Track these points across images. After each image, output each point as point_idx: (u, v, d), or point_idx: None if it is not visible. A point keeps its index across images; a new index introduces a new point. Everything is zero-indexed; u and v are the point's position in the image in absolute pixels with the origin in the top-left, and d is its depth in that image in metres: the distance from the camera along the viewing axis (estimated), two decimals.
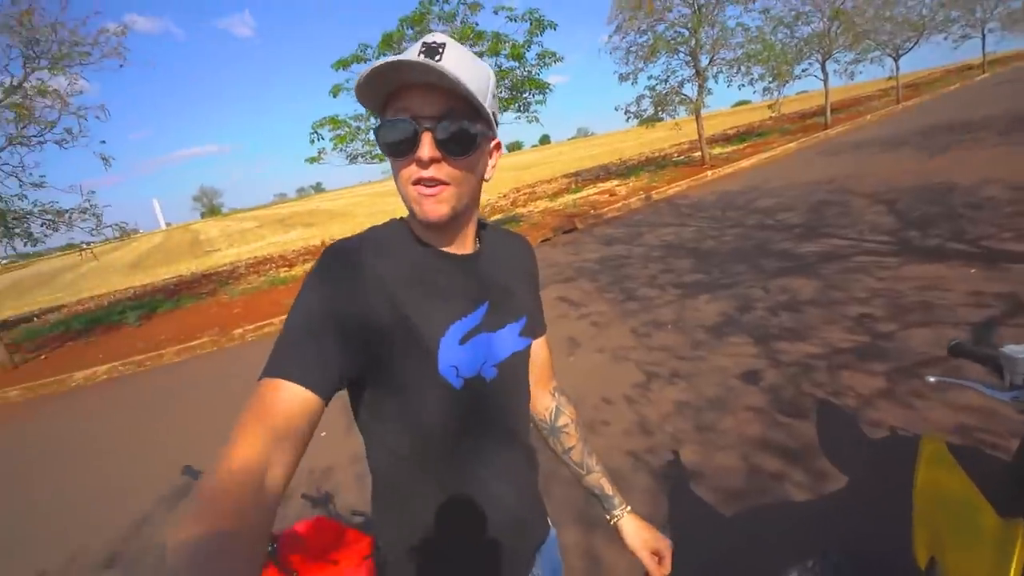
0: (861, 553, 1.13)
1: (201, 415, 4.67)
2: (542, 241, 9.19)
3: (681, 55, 13.42)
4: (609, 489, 1.04)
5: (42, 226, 7.87)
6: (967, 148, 8.85)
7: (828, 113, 16.55)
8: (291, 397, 0.59)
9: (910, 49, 19.98)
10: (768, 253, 5.51)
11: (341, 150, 7.65)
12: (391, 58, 0.62)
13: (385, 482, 0.80)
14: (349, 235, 0.76)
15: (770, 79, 14.59)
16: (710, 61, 13.34)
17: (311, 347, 0.63)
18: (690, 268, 5.62)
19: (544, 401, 1.01)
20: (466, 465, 0.79)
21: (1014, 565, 0.80)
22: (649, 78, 14.04)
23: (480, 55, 7.96)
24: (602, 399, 3.25)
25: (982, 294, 3.48)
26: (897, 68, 20.52)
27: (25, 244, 7.82)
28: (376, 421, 0.76)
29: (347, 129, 7.46)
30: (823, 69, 16.37)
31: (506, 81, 8.30)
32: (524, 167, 35.08)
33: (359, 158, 7.89)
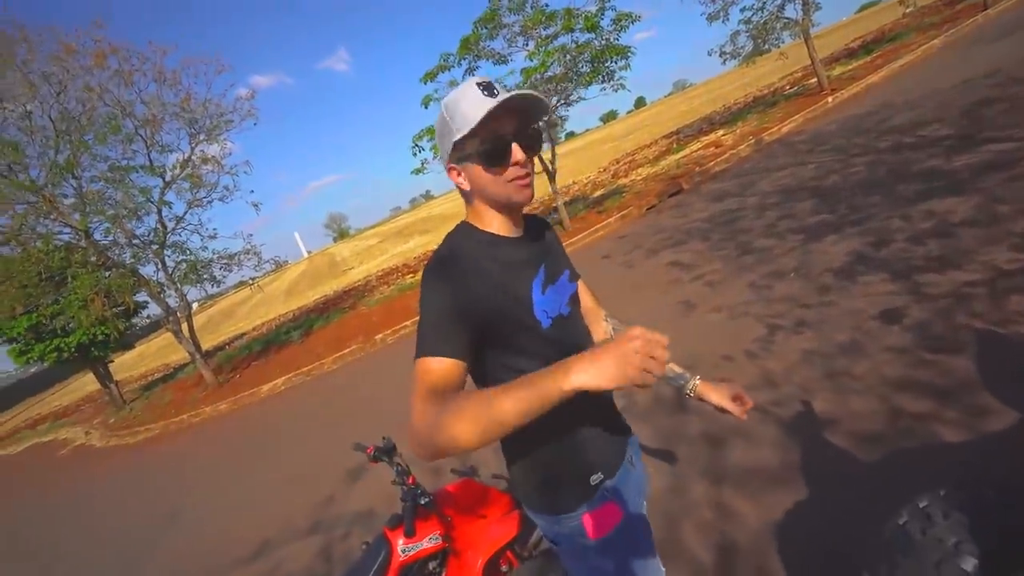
0: (986, 483, 1.06)
1: (360, 407, 5.43)
2: (648, 209, 8.94)
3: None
4: (678, 369, 1.26)
5: (220, 269, 9.60)
6: None
7: None
8: (444, 366, 0.87)
9: None
10: (907, 177, 4.81)
11: (440, 158, 8.17)
12: (488, 110, 0.89)
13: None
14: (441, 244, 1.02)
15: None
16: None
17: (447, 328, 0.90)
18: (811, 210, 5.12)
19: (601, 327, 1.28)
20: None
21: None
22: (742, 10, 12.67)
23: (555, 36, 7.99)
24: (721, 357, 3.18)
25: None
26: None
27: (212, 286, 9.59)
28: (499, 371, 0.99)
29: None
30: None
31: (585, 55, 8.16)
32: (621, 136, 33.86)
33: None
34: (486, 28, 7.85)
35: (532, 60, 7.77)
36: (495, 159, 0.94)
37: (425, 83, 7.88)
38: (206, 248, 9.58)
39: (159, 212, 8.86)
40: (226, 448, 6.40)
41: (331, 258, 46.77)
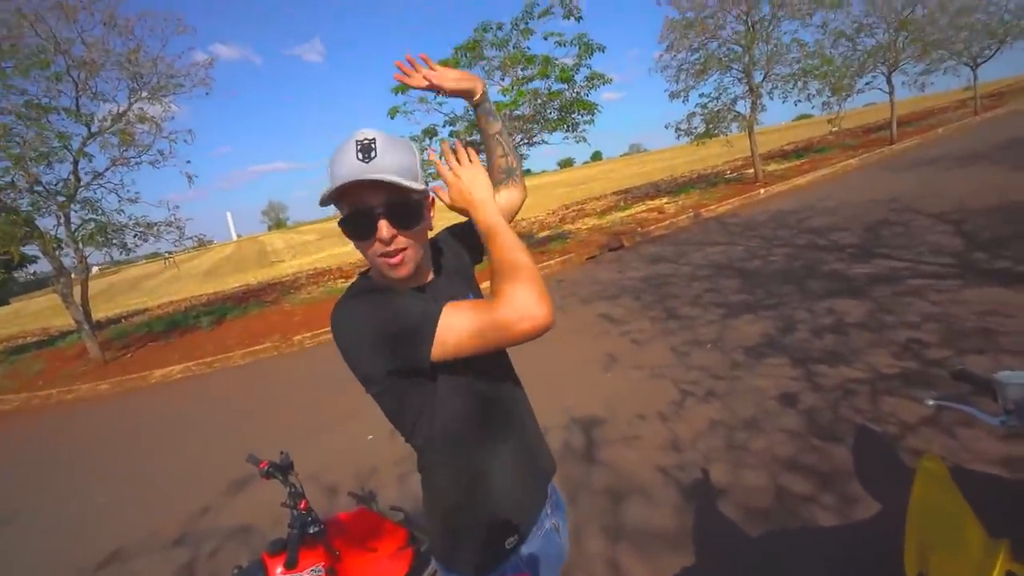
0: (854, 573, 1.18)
1: (264, 412, 5.07)
2: (588, 259, 9.27)
3: (734, 72, 13.23)
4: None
5: (135, 237, 8.77)
6: None
7: (894, 127, 15.68)
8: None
9: (990, 57, 18.67)
10: (817, 274, 5.36)
11: None
12: (339, 180, 0.85)
13: (427, 456, 1.06)
14: (350, 293, 1.00)
15: (829, 94, 14.07)
16: (764, 77, 13.06)
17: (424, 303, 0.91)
18: (735, 288, 5.55)
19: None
20: (494, 435, 1.05)
21: None
22: (700, 95, 13.84)
23: (531, 79, 8.28)
24: (636, 415, 3.31)
25: None
26: (975, 78, 19.21)
27: (120, 253, 8.73)
28: (409, 410, 1.00)
29: None
30: (889, 82, 15.58)
31: (555, 103, 8.52)
32: (575, 183, 35.19)
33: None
34: (466, 56, 8.01)
35: (505, 96, 7.99)
36: (358, 232, 0.90)
37: (396, 94, 7.85)
38: (122, 211, 8.73)
39: (75, 163, 8.02)
40: (96, 436, 5.72)
41: (262, 246, 44.27)
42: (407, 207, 0.90)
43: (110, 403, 6.82)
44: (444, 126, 8.58)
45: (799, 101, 14.25)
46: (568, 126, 8.85)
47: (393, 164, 0.86)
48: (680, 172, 23.07)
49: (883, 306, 4.15)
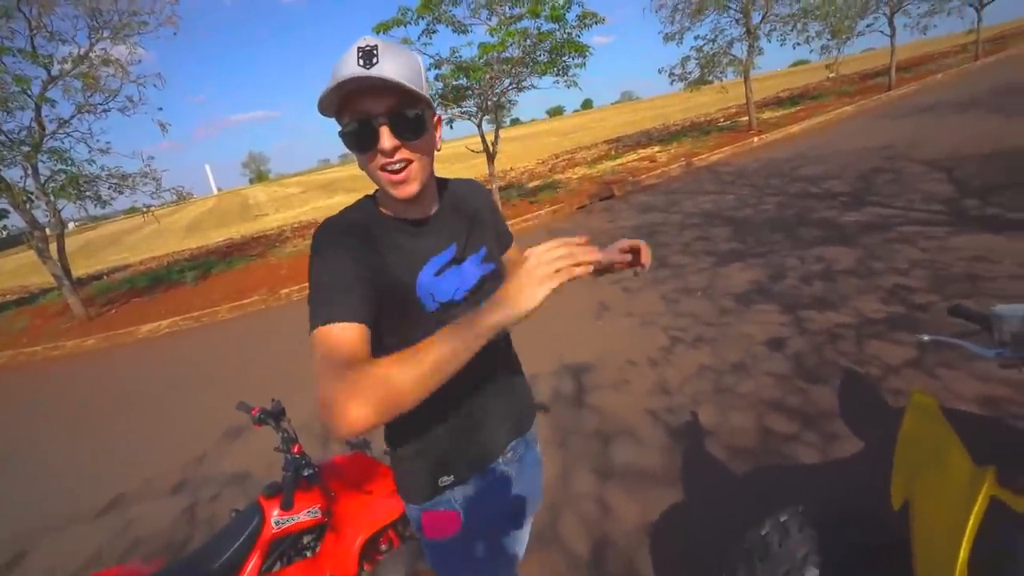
0: (837, 505, 1.21)
1: (254, 364, 5.07)
2: (578, 208, 9.15)
3: (731, 12, 12.68)
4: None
5: (109, 189, 8.45)
6: None
7: (893, 72, 15.30)
8: (346, 333, 0.77)
9: None
10: (807, 222, 5.34)
11: None
12: (339, 79, 0.77)
13: None
14: (336, 213, 0.94)
15: (829, 36, 13.61)
16: (763, 18, 12.55)
17: (345, 293, 0.81)
18: (725, 236, 5.52)
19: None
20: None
21: (977, 507, 0.87)
22: (696, 38, 13.34)
23: (519, 17, 7.85)
24: (627, 361, 3.34)
25: None
26: (979, 19, 18.64)
27: (95, 206, 8.43)
28: (380, 348, 0.86)
29: None
30: (891, 24, 15.07)
31: (545, 44, 8.12)
32: (565, 132, 34.35)
33: None
34: None
35: (492, 36, 7.59)
36: (357, 143, 0.84)
37: (377, 33, 7.40)
38: (93, 162, 8.35)
39: (37, 109, 7.57)
40: (87, 390, 5.70)
41: (244, 200, 43.22)
42: (411, 117, 0.83)
43: (97, 358, 6.78)
44: (430, 69, 8.17)
45: (798, 44, 13.82)
46: (559, 69, 8.48)
47: (396, 71, 0.79)
48: (673, 120, 22.54)
49: (872, 253, 4.15)
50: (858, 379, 2.63)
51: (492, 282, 1.03)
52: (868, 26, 15.09)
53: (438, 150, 0.94)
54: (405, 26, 7.53)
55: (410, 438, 1.02)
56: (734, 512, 1.94)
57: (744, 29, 12.66)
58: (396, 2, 7.65)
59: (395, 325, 0.91)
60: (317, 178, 55.25)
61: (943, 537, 0.86)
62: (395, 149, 0.83)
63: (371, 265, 0.87)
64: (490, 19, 7.94)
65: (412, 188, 0.87)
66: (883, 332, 3.00)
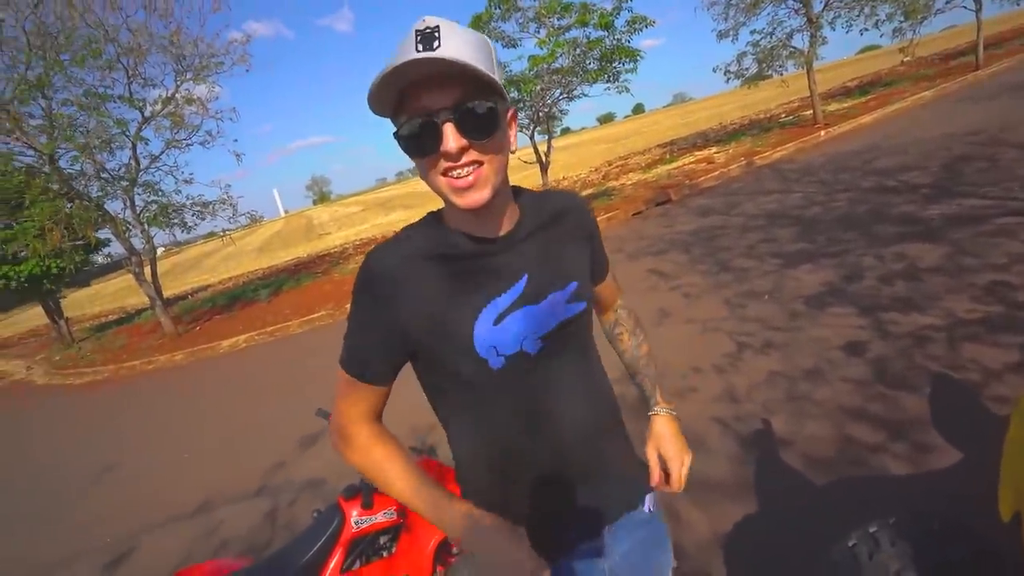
0: (935, 517, 1.11)
1: (324, 375, 5.34)
2: (634, 214, 9.00)
3: (790, 3, 12.14)
4: (649, 390, 1.05)
5: (193, 215, 9.25)
6: None
7: (980, 50, 13.99)
8: (356, 388, 0.83)
9: None
10: (885, 218, 4.97)
11: None
12: (392, 64, 0.62)
13: (458, 450, 0.90)
14: (388, 238, 0.82)
15: (901, 18, 12.71)
16: (825, 5, 11.92)
17: (363, 350, 0.81)
18: (792, 237, 5.25)
19: (607, 317, 1.11)
20: (523, 435, 0.82)
21: None
22: (752, 32, 12.82)
23: (568, 28, 7.91)
24: (691, 368, 3.24)
25: None
26: None
27: (181, 232, 9.25)
28: (434, 394, 0.87)
29: None
30: None
31: (595, 52, 8.13)
32: (617, 139, 33.98)
33: None
34: (500, 8, 7.72)
35: (542, 48, 7.69)
36: (417, 146, 0.69)
37: None
38: (179, 192, 9.21)
39: (134, 147, 8.46)
40: (177, 401, 6.22)
41: (308, 220, 45.72)
42: (482, 112, 0.68)
43: (186, 371, 7.38)
44: None
45: (866, 30, 12.98)
46: (609, 76, 8.44)
47: (463, 53, 0.64)
48: (730, 119, 21.75)
49: (963, 248, 3.81)
50: (953, 385, 2.42)
51: (578, 328, 0.85)
52: (948, 2, 13.91)
53: (513, 151, 0.78)
54: None
55: (470, 493, 0.88)
56: (812, 526, 1.83)
57: (805, 19, 12.07)
58: (442, 13, 7.90)
59: (453, 383, 0.81)
60: (375, 196, 57.61)
61: None
62: (462, 150, 0.67)
63: (412, 322, 0.76)
64: (539, 31, 8.06)
65: (482, 195, 0.70)
66: (980, 334, 2.74)
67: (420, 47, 0.63)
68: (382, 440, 0.86)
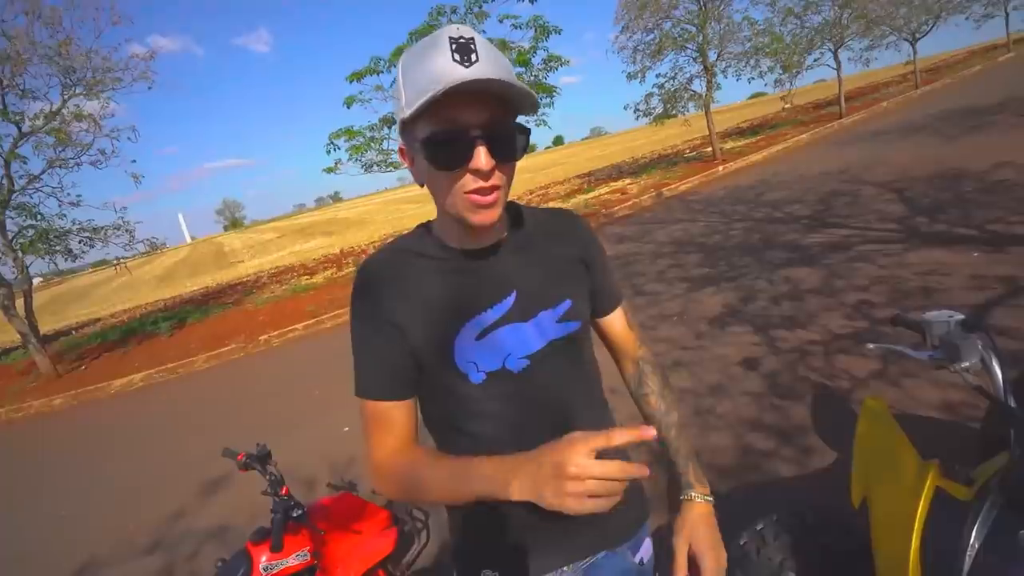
0: (808, 509, 1.27)
1: (234, 413, 4.96)
2: None
3: (689, 51, 13.45)
4: (681, 467, 0.90)
5: (80, 243, 8.33)
6: (984, 132, 8.71)
7: (842, 102, 16.30)
8: (377, 408, 0.79)
9: (928, 32, 19.53)
10: (774, 245, 5.58)
11: (357, 160, 7.94)
12: (442, 88, 0.60)
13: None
14: (378, 247, 0.82)
15: (780, 71, 14.48)
16: (718, 56, 13.33)
17: (377, 364, 0.78)
18: (697, 263, 5.72)
19: (628, 369, 1.00)
20: (505, 452, 0.76)
21: (923, 498, 0.95)
22: (657, 76, 14.04)
23: None
24: (608, 388, 3.38)
25: (983, 277, 3.53)
26: (915, 52, 20.08)
27: (65, 260, 8.28)
28: (424, 404, 0.84)
29: (362, 139, 7.74)
30: (836, 58, 16.16)
31: None
32: (538, 169, 35.20)
33: (374, 167, 8.16)
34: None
35: None
36: (446, 158, 0.67)
37: (351, 82, 7.66)
38: (64, 216, 8.26)
39: (6, 166, 7.53)
40: (53, 450, 5.47)
41: (218, 247, 42.70)
42: (512, 133, 0.68)
43: (66, 417, 6.52)
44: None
45: (752, 79, 14.64)
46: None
47: (502, 72, 0.64)
48: (641, 153, 23.37)
49: (835, 272, 4.36)
50: (829, 393, 2.74)
51: (569, 349, 0.82)
52: (816, 60, 16.12)
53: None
54: (378, 74, 7.82)
55: (474, 517, 0.84)
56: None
57: (702, 66, 13.40)
58: (358, 49, 7.94)
59: (437, 395, 0.81)
60: (292, 223, 55.12)
61: (896, 528, 0.93)
62: (491, 171, 0.67)
63: (405, 331, 0.76)
64: None
65: (496, 213, 0.71)
66: (849, 347, 3.13)
67: (457, 56, 0.62)
68: (411, 452, 0.79)
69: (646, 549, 0.95)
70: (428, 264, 0.78)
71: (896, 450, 1.10)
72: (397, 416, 0.79)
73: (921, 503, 0.94)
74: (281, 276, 13.17)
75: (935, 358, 1.04)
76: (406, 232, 0.85)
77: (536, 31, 7.93)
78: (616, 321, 0.96)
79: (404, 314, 0.76)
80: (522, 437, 0.75)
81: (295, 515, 1.58)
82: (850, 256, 4.64)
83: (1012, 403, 0.92)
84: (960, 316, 1.05)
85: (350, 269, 11.80)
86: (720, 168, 12.32)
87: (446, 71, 0.62)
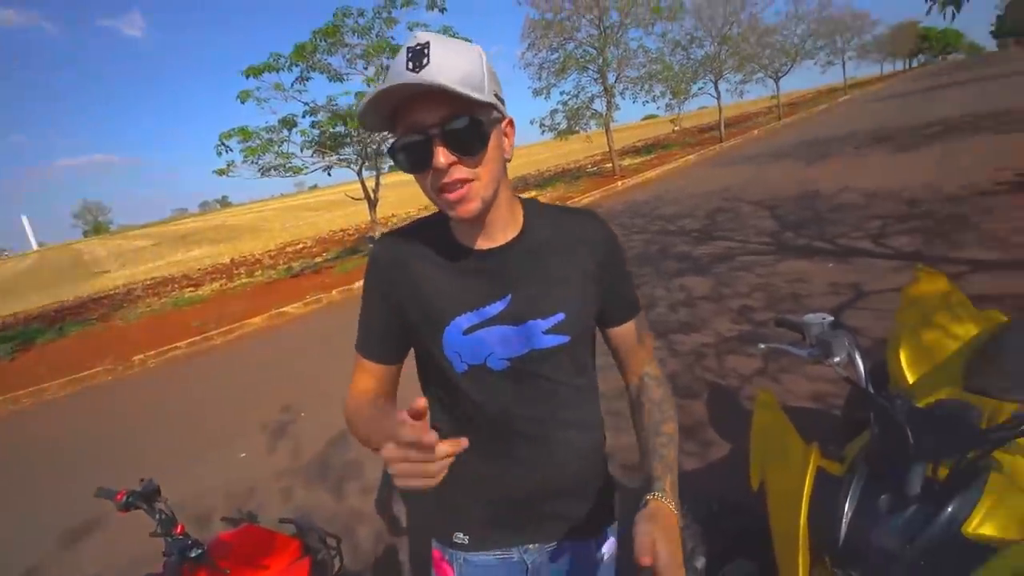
0: (712, 500, 1.39)
1: (103, 448, 4.31)
2: None
3: (590, 72, 14.25)
4: (658, 472, 0.82)
5: None
6: (831, 160, 10.20)
7: (722, 128, 18.25)
8: (365, 367, 0.88)
9: (787, 72, 22.56)
10: (669, 256, 6.05)
11: (252, 162, 7.35)
12: (381, 88, 0.67)
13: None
14: (401, 225, 0.90)
15: (670, 96, 15.85)
16: (616, 79, 14.28)
17: (375, 330, 0.87)
18: None
19: (631, 382, 1.01)
20: (479, 441, 0.74)
21: (808, 477, 1.07)
22: (561, 93, 14.78)
23: None
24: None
25: (837, 284, 4.11)
26: (778, 88, 23.05)
27: None
28: (422, 381, 0.94)
29: (259, 141, 7.19)
30: (716, 88, 18.05)
31: None
32: None
33: (272, 171, 7.61)
34: (325, 41, 7.53)
35: (369, 86, 7.67)
36: (411, 162, 0.72)
37: (248, 77, 7.10)
38: None
39: None
40: None
41: (76, 255, 37.28)
42: (468, 128, 0.70)
43: None
44: (304, 116, 7.99)
45: (646, 102, 15.86)
46: None
47: (452, 72, 0.67)
48: (546, 166, 24.26)
49: (722, 280, 4.82)
50: (721, 390, 3.01)
51: (553, 360, 0.84)
52: (700, 88, 17.90)
53: (508, 159, 0.79)
54: (278, 71, 7.32)
55: (459, 476, 0.85)
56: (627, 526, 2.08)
57: (602, 87, 14.26)
58: (254, 37, 7.41)
59: (429, 375, 0.90)
60: (171, 229, 49.68)
61: (788, 506, 1.04)
62: (450, 166, 0.70)
63: (405, 308, 0.84)
64: (366, 68, 8.04)
65: (473, 206, 0.73)
66: (737, 347, 3.48)
67: (410, 64, 0.67)
68: (370, 398, 0.87)
69: (610, 546, 0.99)
70: (437, 254, 0.83)
71: (784, 437, 1.24)
72: (376, 373, 0.88)
73: (807, 482, 1.06)
74: (158, 288, 11.81)
75: (813, 354, 1.19)
76: (427, 216, 0.89)
77: None
78: (627, 333, 0.94)
79: (406, 294, 0.83)
80: (496, 432, 0.86)
81: (193, 555, 1.42)
82: (733, 266, 5.17)
83: (872, 390, 1.07)
84: (831, 318, 1.21)
85: (243, 280, 10.90)
86: (619, 183, 13.14)
87: (394, 79, 0.68)
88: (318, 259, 11.70)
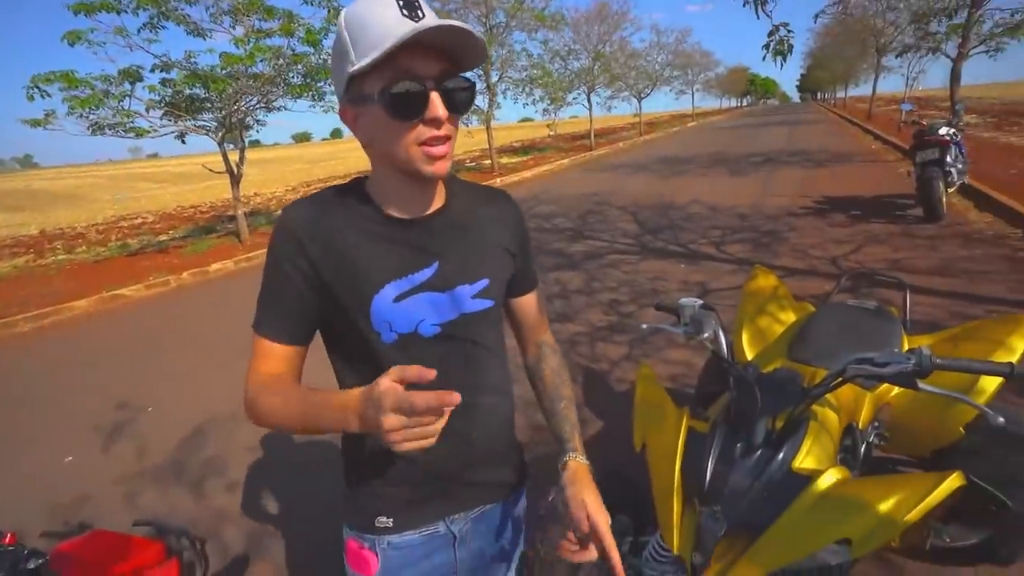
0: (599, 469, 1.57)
1: None
2: None
3: (475, 69, 14.39)
4: (568, 434, 0.99)
5: None
6: (683, 175, 11.63)
7: (592, 137, 19.71)
8: (266, 348, 0.81)
9: (648, 94, 25.11)
10: (546, 252, 6.42)
11: (83, 116, 6.13)
12: (401, 38, 0.63)
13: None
14: (313, 193, 0.82)
15: (548, 102, 16.68)
16: (499, 78, 14.62)
17: (285, 307, 0.80)
18: None
19: (530, 351, 1.08)
20: None
21: (681, 436, 1.27)
22: None
23: (270, 33, 7.34)
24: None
25: (687, 282, 4.75)
26: (640, 107, 25.54)
27: None
28: (336, 361, 0.88)
29: (91, 91, 6.01)
30: (588, 99, 19.43)
31: (299, 67, 7.79)
32: (314, 160, 32.85)
33: (108, 129, 6.42)
34: None
35: (238, 47, 6.89)
36: (402, 108, 0.69)
37: (77, 14, 5.89)
38: None
39: None
40: None
41: None
42: (463, 86, 0.72)
43: None
44: (153, 71, 6.88)
45: (527, 104, 16.49)
46: (314, 93, 8.22)
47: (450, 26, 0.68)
48: None
49: (593, 276, 5.27)
50: (594, 374, 3.32)
51: (480, 324, 0.87)
52: (574, 98, 19.11)
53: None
54: (119, 13, 6.19)
55: (360, 452, 0.88)
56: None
57: (485, 85, 14.49)
58: None
59: (349, 352, 0.84)
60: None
61: (664, 462, 1.24)
62: (446, 120, 0.71)
63: (321, 280, 0.78)
64: (234, 28, 7.22)
65: (447, 165, 0.75)
66: (607, 336, 3.84)
67: (405, 11, 0.66)
68: (279, 381, 0.79)
69: (522, 504, 1.10)
70: (360, 223, 0.80)
71: (661, 404, 1.45)
72: (282, 355, 0.81)
73: (680, 440, 1.27)
74: None
75: (688, 332, 1.40)
76: (340, 183, 0.85)
77: (329, 13, 7.43)
78: (529, 303, 1.03)
79: (327, 265, 0.78)
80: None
81: (31, 567, 1.22)
82: (602, 263, 5.67)
83: (730, 359, 1.31)
84: (701, 301, 1.44)
85: (58, 256, 9.11)
86: (498, 180, 13.49)
87: (397, 24, 0.65)
88: (162, 237, 10.21)
